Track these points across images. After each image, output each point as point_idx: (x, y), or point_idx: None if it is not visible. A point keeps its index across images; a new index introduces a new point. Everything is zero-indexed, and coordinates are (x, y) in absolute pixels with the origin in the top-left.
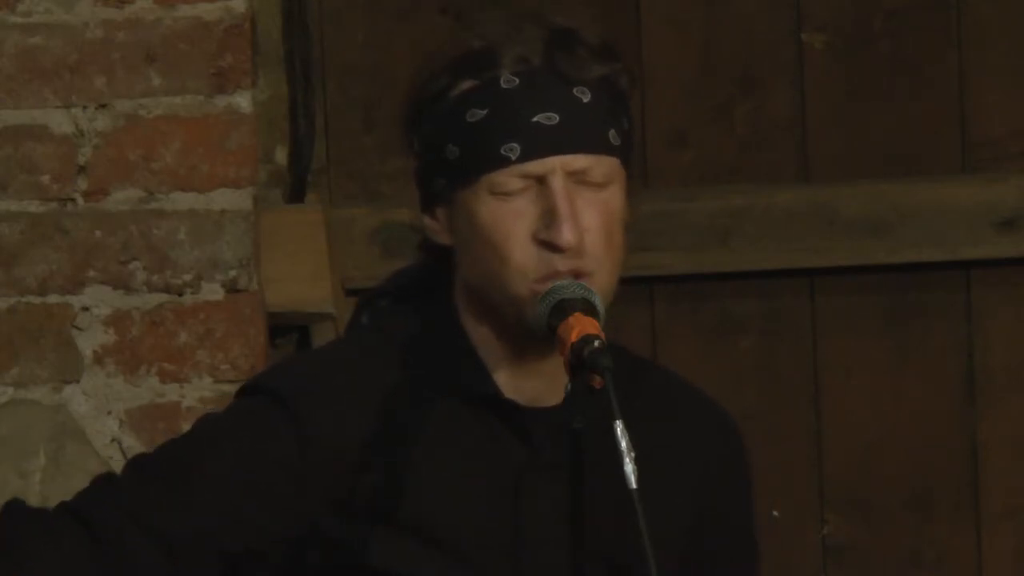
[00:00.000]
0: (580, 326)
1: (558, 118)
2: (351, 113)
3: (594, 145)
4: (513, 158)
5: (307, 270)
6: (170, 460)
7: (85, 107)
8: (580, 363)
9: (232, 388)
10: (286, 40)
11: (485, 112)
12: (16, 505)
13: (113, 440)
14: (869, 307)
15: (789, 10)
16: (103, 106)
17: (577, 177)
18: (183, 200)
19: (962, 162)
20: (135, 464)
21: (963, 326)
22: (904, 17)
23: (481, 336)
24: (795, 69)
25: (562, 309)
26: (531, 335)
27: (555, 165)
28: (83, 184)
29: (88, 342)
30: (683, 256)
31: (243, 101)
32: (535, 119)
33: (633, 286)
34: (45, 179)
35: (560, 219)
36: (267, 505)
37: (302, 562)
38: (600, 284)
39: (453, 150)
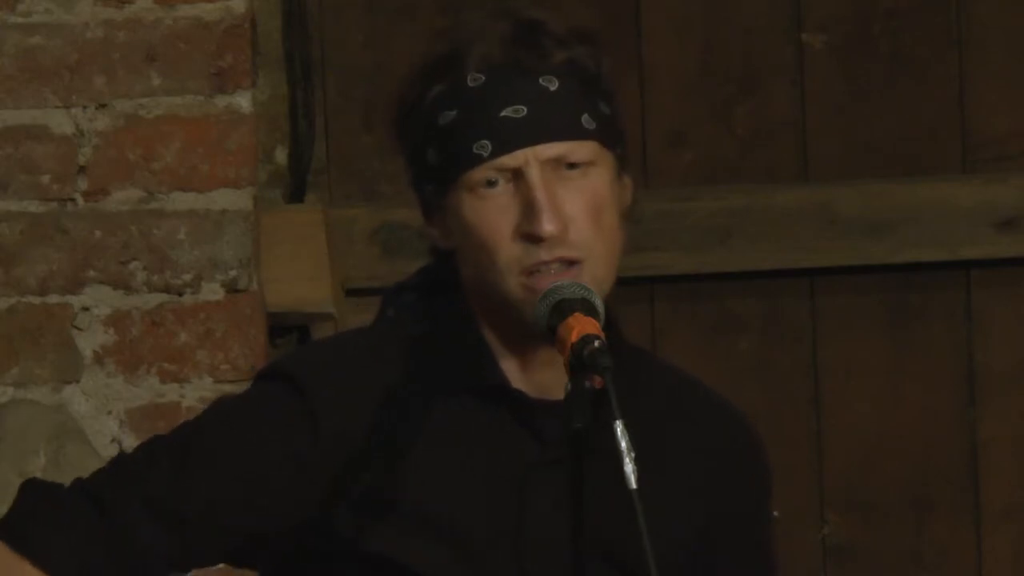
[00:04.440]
0: (580, 326)
1: (526, 110)
2: (351, 113)
3: (566, 131)
4: (485, 155)
5: (307, 270)
6: (183, 441)
7: (85, 107)
8: (580, 363)
9: (232, 388)
10: (286, 40)
11: (455, 113)
12: (33, 483)
13: (113, 440)
14: (869, 307)
15: (789, 10)
16: (103, 106)
17: (555, 165)
18: (183, 200)
19: (962, 162)
20: (149, 444)
21: (963, 326)
22: (904, 17)
23: (491, 331)
24: (795, 69)
25: (561, 309)
26: (528, 333)
27: (528, 157)
28: (83, 184)
29: (88, 342)
30: (683, 256)
31: (243, 101)
32: (503, 114)
33: (633, 286)
34: (45, 179)
35: (538, 210)
36: (277, 490)
37: (308, 547)
38: (593, 271)
39: (432, 155)
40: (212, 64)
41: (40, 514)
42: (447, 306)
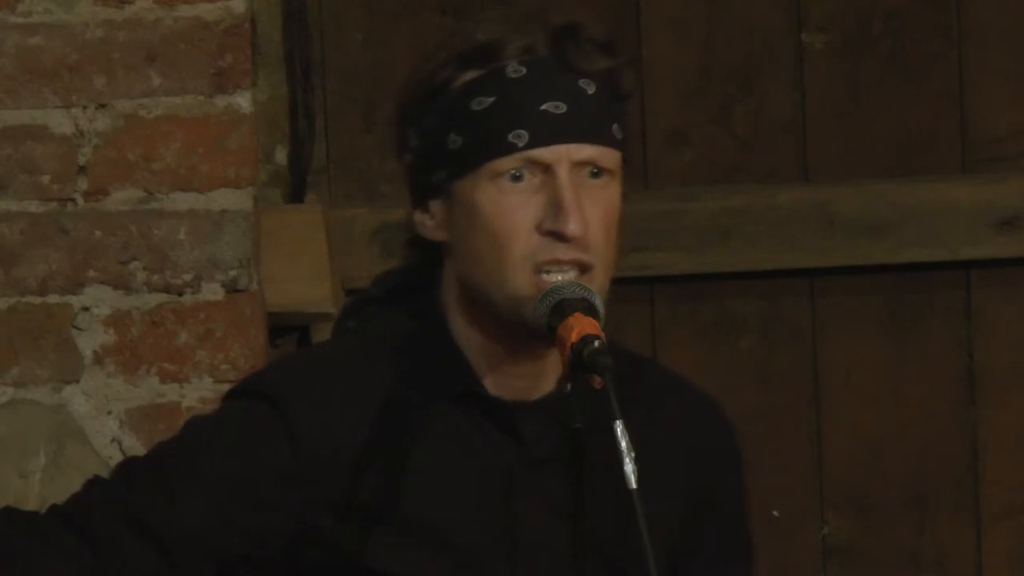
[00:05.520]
0: (580, 326)
1: (565, 107)
2: (351, 113)
3: (600, 136)
4: (520, 145)
5: (307, 270)
6: (162, 462)
7: (85, 107)
8: (580, 363)
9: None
10: (286, 40)
11: (492, 100)
12: (8, 512)
13: (113, 440)
14: (869, 307)
15: (789, 10)
16: (103, 106)
17: (581, 169)
18: (183, 200)
19: (962, 162)
20: (126, 467)
21: (963, 326)
22: (904, 17)
23: (468, 335)
24: (795, 69)
25: (562, 309)
26: (522, 331)
27: (562, 154)
28: (83, 184)
29: (88, 342)
30: (683, 256)
31: (243, 101)
32: (543, 107)
33: (633, 286)
34: (45, 179)
35: (567, 209)
36: (259, 507)
37: (297, 563)
38: (600, 279)
39: (456, 139)
40: (212, 64)
41: (22, 543)
42: (416, 312)
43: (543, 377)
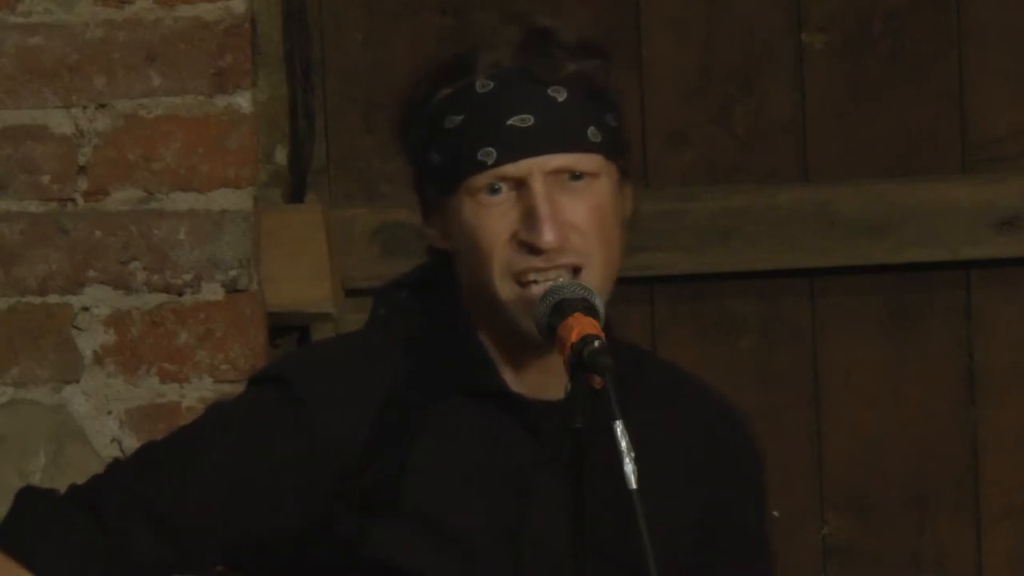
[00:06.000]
0: (580, 326)
1: (533, 119)
2: (351, 113)
3: (571, 144)
4: (489, 163)
5: (307, 270)
6: (180, 449)
7: (85, 107)
8: (580, 363)
9: (232, 388)
10: (286, 40)
11: (461, 118)
12: (28, 491)
13: (113, 440)
14: (869, 307)
15: (789, 10)
16: (103, 106)
17: (558, 176)
18: (183, 200)
19: (962, 162)
20: (145, 450)
21: (963, 326)
22: (904, 17)
23: (486, 333)
24: (795, 69)
25: (562, 309)
26: (518, 337)
27: (532, 167)
28: (83, 184)
29: (88, 342)
30: (683, 256)
31: (243, 101)
32: (510, 122)
33: (633, 286)
34: (45, 179)
35: (539, 220)
36: (275, 498)
37: (308, 554)
38: (592, 278)
39: (436, 158)
40: (212, 64)
41: (39, 523)
42: (442, 307)
43: (560, 375)
